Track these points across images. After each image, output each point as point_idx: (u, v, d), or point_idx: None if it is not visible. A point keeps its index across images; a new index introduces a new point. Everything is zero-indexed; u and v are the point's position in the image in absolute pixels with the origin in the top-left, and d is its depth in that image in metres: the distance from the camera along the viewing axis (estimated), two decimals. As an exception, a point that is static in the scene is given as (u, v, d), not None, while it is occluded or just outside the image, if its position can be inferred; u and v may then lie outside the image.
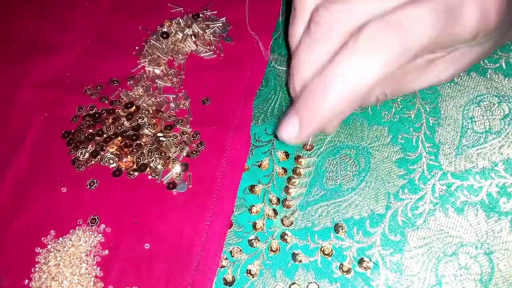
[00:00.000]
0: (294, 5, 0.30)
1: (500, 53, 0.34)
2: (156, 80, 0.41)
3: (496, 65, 0.33)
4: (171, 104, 0.39)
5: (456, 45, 0.27)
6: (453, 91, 0.34)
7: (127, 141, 0.37)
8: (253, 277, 0.31)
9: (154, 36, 0.43)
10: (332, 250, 0.31)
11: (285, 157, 0.35)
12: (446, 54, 0.28)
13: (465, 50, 0.29)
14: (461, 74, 0.34)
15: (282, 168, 0.35)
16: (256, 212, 0.33)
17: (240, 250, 0.32)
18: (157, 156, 0.36)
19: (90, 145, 0.37)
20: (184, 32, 0.43)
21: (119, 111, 0.39)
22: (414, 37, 0.24)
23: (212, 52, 0.42)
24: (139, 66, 0.42)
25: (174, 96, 0.40)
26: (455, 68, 0.30)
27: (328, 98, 0.25)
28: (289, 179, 0.34)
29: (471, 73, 0.34)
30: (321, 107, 0.26)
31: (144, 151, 0.36)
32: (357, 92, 0.25)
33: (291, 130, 0.28)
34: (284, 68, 0.39)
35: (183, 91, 0.40)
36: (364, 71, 0.24)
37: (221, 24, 0.44)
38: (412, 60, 0.27)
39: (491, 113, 0.32)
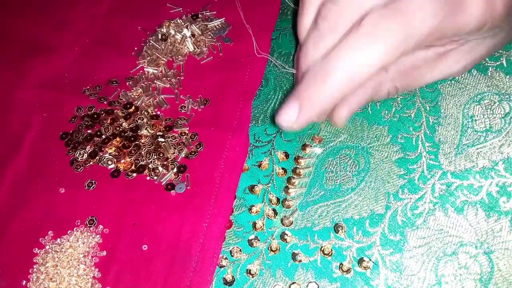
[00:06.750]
0: None
1: (501, 51, 0.33)
2: (155, 81, 0.41)
3: (497, 63, 0.33)
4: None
5: (463, 36, 0.27)
6: (453, 89, 0.33)
7: (125, 142, 0.37)
8: (253, 276, 0.31)
9: (153, 37, 0.43)
10: (332, 250, 0.30)
11: (285, 157, 0.35)
12: (458, 47, 0.28)
13: (477, 42, 0.29)
14: None
15: (282, 168, 0.34)
16: (256, 212, 0.33)
17: (240, 250, 0.32)
18: (155, 157, 0.36)
19: (89, 146, 0.37)
20: (182, 33, 0.42)
21: (118, 111, 0.39)
22: (415, 24, 0.24)
23: (212, 57, 0.42)
24: (138, 67, 0.42)
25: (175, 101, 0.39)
26: (466, 61, 0.30)
27: (329, 81, 0.26)
28: (289, 179, 0.34)
29: (472, 71, 0.33)
30: (322, 90, 0.26)
31: (143, 152, 0.36)
32: (358, 77, 0.25)
33: (290, 115, 0.28)
34: (292, 70, 0.37)
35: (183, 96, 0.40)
36: (365, 56, 0.25)
37: (220, 25, 0.44)
38: (421, 51, 0.27)
39: (491, 112, 0.32)
